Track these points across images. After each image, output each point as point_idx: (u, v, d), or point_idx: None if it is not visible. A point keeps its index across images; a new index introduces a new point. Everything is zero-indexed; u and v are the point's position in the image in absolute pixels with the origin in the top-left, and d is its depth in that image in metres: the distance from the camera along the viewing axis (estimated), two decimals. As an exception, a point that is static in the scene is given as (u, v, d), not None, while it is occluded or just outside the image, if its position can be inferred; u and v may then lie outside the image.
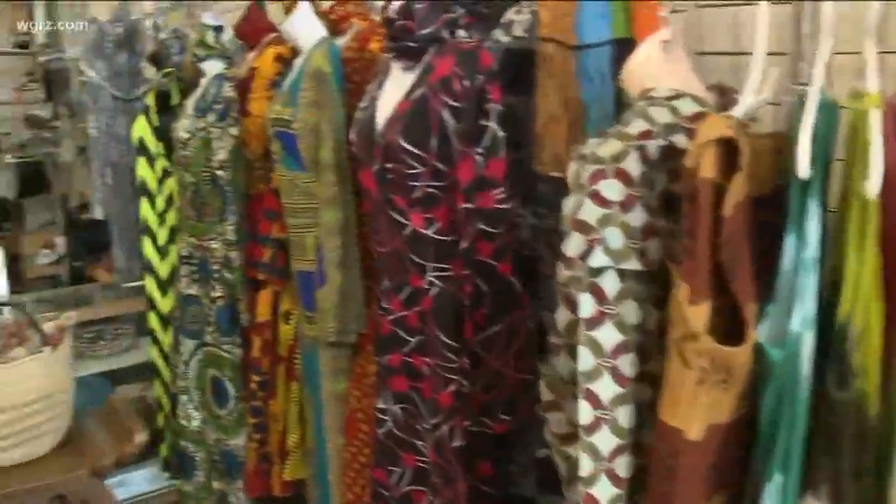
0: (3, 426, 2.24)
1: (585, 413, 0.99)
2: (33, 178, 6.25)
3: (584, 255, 0.98)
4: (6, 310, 2.48)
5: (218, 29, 2.30)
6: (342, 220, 1.85)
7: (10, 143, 6.05)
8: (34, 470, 2.27)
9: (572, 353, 1.02)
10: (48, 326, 2.41)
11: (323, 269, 1.88)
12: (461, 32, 1.55)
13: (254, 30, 2.32)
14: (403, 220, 1.54)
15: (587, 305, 0.98)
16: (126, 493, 2.89)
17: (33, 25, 5.54)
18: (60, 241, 5.45)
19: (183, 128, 2.26)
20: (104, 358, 2.95)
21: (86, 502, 2.32)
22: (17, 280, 4.39)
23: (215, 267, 2.26)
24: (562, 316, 1.06)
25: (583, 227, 0.99)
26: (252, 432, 2.33)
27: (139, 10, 3.39)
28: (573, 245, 1.00)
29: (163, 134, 2.56)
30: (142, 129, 2.58)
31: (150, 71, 3.24)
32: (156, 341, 2.73)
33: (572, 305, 1.02)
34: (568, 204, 1.04)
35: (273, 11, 2.35)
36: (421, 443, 1.64)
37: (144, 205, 2.62)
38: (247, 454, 2.38)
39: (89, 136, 3.18)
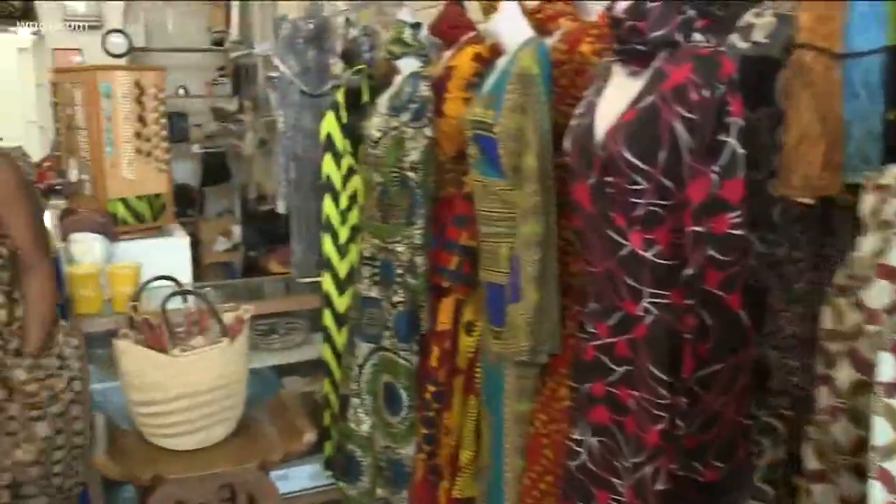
0: (182, 412, 2.27)
1: (879, 496, 0.82)
2: (216, 168, 6.53)
3: (893, 308, 0.81)
4: (190, 298, 2.52)
5: (415, 26, 2.23)
6: (543, 232, 1.73)
7: (200, 134, 6.34)
8: (207, 457, 2.29)
9: (855, 420, 0.85)
10: (227, 317, 2.43)
11: (518, 283, 1.77)
12: (696, 36, 1.39)
13: (450, 28, 2.24)
14: (621, 240, 1.40)
15: (889, 368, 0.81)
16: (287, 487, 2.88)
17: (228, 24, 5.75)
18: (236, 230, 5.64)
19: (374, 126, 2.21)
20: (276, 352, 2.96)
21: (251, 494, 2.32)
22: (194, 264, 4.54)
23: (399, 271, 2.19)
24: (844, 374, 0.89)
25: (893, 275, 0.82)
26: (422, 443, 2.25)
27: (330, 7, 3.41)
28: (878, 295, 0.83)
29: (350, 131, 2.53)
30: (330, 125, 2.56)
31: (337, 67, 3.24)
32: (329, 339, 2.71)
33: (862, 365, 0.85)
34: (865, 244, 0.88)
35: (469, 9, 2.27)
36: (618, 481, 1.49)
37: (328, 201, 2.60)
38: (414, 465, 2.31)
39: (277, 130, 3.21)
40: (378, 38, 2.85)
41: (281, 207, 3.13)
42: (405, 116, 2.10)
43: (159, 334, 2.37)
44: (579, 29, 1.84)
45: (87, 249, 2.64)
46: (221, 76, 6.27)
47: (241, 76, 5.63)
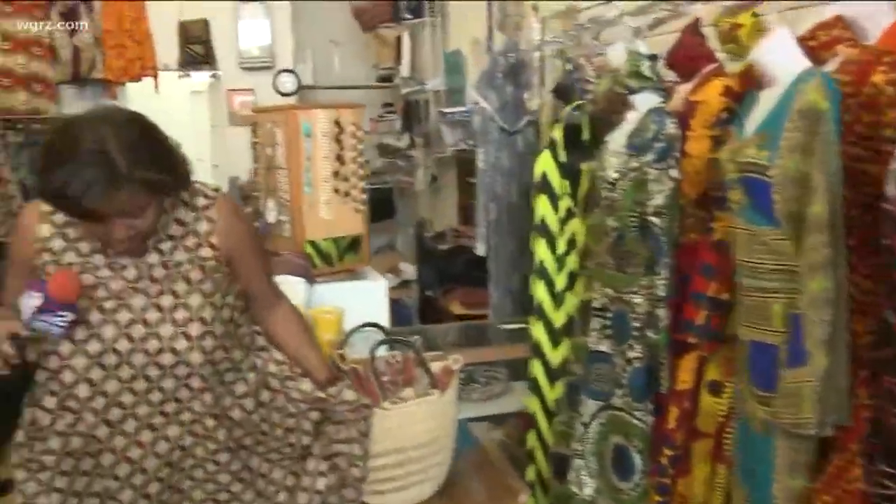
0: (391, 468, 2.16)
1: None
2: (381, 204, 6.56)
3: None
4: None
5: (653, 58, 2.06)
6: (833, 290, 1.50)
7: (366, 170, 6.38)
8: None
9: None
10: (435, 367, 2.32)
11: (801, 346, 1.54)
12: None
13: (689, 59, 2.04)
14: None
15: None
16: None
17: (399, 60, 5.76)
18: (406, 267, 5.60)
19: (611, 167, 2.03)
20: (476, 402, 2.80)
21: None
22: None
23: (636, 324, 2.00)
24: None
25: None
26: (655, 511, 2.04)
27: (525, 40, 3.29)
28: None
29: (569, 171, 2.37)
30: (546, 164, 2.41)
31: (533, 102, 3.11)
32: (538, 392, 2.54)
33: None
34: None
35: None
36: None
37: (542, 246, 2.44)
38: (645, 534, 2.10)
39: (478, 170, 3.09)
40: (584, 71, 2.70)
41: (481, 249, 3.01)
42: (648, 156, 1.92)
43: (368, 385, 2.27)
44: (867, 56, 1.61)
45: (290, 293, 2.57)
46: (388, 112, 6.29)
47: (411, 112, 5.60)
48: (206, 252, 1.69)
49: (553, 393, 2.49)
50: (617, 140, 2.07)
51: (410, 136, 5.60)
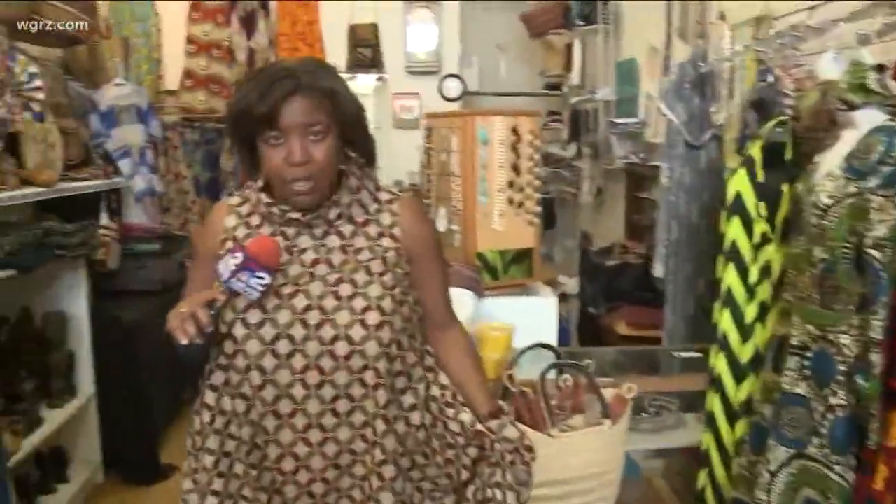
0: (553, 500, 2.03)
1: None
2: (542, 214, 6.44)
3: None
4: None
5: (879, 69, 1.84)
6: None
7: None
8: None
9: None
10: (607, 394, 2.18)
11: None
12: None
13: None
14: None
15: None
16: None
17: (569, 68, 5.62)
18: (565, 280, 5.44)
19: (823, 190, 1.83)
20: (645, 433, 2.62)
21: None
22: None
23: (841, 367, 1.79)
24: None
25: None
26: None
27: (713, 49, 3.09)
28: None
29: (766, 193, 2.17)
30: (741, 183, 2.21)
31: (720, 115, 2.91)
32: (714, 429, 2.35)
33: None
34: None
35: None
36: None
37: (731, 272, 2.25)
38: None
39: (660, 186, 2.92)
40: (781, 84, 2.49)
41: (658, 271, 2.84)
42: (872, 181, 1.71)
43: (537, 410, 2.15)
44: None
45: (458, 307, 2.48)
46: (553, 121, 6.16)
47: (579, 122, 5.45)
48: (387, 242, 1.63)
49: (732, 433, 2.30)
50: (831, 161, 1.86)
51: (577, 146, 5.44)
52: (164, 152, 4.85)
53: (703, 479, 2.43)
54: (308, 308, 1.55)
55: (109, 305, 3.82)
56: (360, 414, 1.57)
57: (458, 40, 6.47)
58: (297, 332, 1.54)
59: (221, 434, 1.62)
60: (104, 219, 3.82)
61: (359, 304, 1.56)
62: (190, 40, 5.73)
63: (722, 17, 3.21)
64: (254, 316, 1.55)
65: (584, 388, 2.21)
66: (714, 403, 2.35)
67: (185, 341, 1.42)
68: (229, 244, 1.61)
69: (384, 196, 1.67)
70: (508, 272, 2.85)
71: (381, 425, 1.58)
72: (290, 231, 1.61)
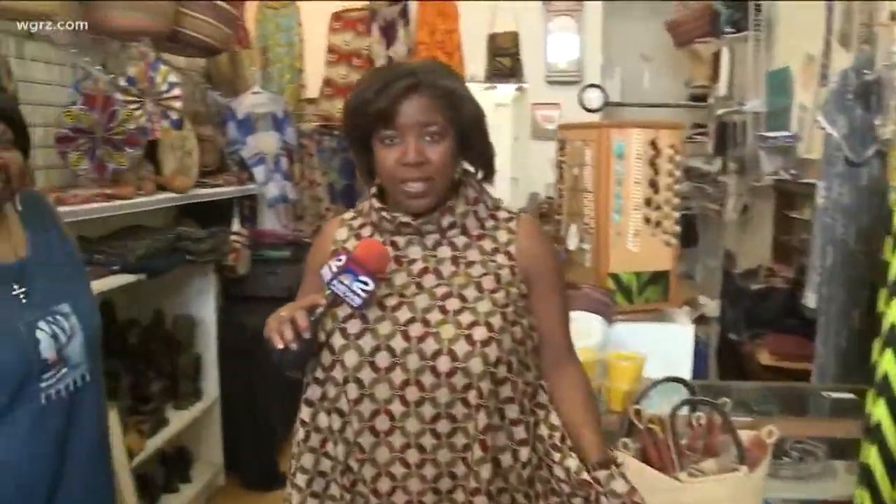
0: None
1: None
2: (683, 231, 6.15)
3: None
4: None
5: None
6: None
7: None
8: None
9: None
10: (744, 435, 1.96)
11: None
12: None
13: None
14: None
15: None
16: None
17: (716, 78, 5.33)
18: (705, 301, 5.16)
19: None
20: (788, 482, 2.37)
21: None
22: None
23: None
24: None
25: None
26: None
27: (883, 54, 2.79)
28: None
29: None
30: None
31: (887, 129, 2.62)
32: (871, 484, 2.08)
33: None
34: None
35: None
36: None
37: (895, 307, 1.99)
38: None
39: (815, 206, 2.66)
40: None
41: (811, 300, 2.58)
42: None
43: (664, 450, 1.97)
44: None
45: (586, 332, 2.33)
46: (697, 134, 5.86)
47: (725, 135, 5.15)
48: (501, 259, 1.52)
49: (893, 490, 2.03)
50: None
51: (723, 161, 5.14)
52: (299, 160, 4.90)
53: (857, 537, 2.17)
54: (411, 320, 1.45)
55: (237, 310, 3.87)
56: (461, 436, 1.45)
57: (600, 49, 6.27)
58: (398, 344, 1.44)
59: (316, 452, 1.53)
60: (236, 225, 3.87)
61: (466, 318, 1.44)
62: (331, 50, 5.81)
63: (893, 17, 2.91)
64: (354, 326, 1.46)
65: (720, 428, 2.02)
66: (871, 455, 2.08)
67: (280, 345, 1.35)
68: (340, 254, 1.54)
69: (502, 214, 1.57)
70: (643, 295, 2.66)
71: (477, 451, 1.45)
72: (401, 240, 1.52)
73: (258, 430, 3.82)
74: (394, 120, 1.42)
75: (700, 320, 5.20)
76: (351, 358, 1.45)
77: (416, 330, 1.44)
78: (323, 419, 1.51)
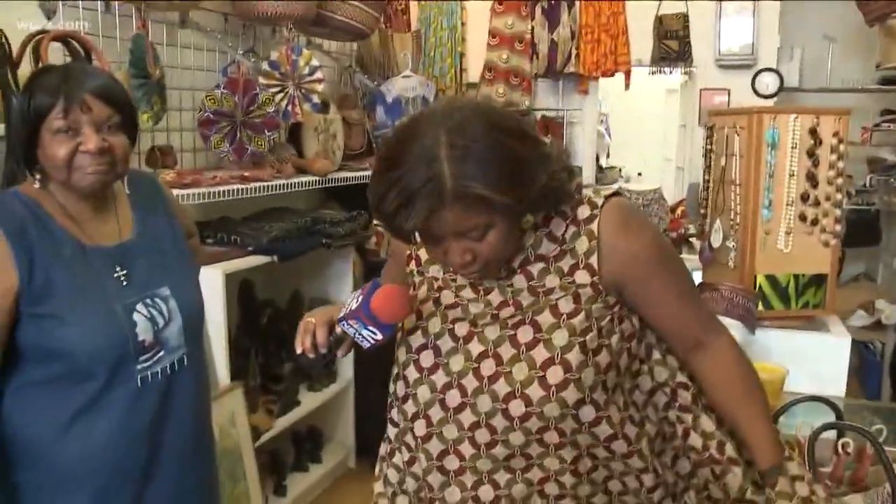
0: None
1: None
2: (864, 228, 5.65)
3: None
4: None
5: None
6: None
7: (850, 187, 5.52)
8: None
9: None
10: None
11: None
12: None
13: None
14: None
15: None
16: None
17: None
18: (884, 307, 4.69)
19: None
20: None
21: None
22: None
23: None
24: None
25: None
26: None
27: None
28: None
29: None
30: None
31: None
32: None
33: None
34: None
35: None
36: None
37: None
38: None
39: None
40: None
41: None
42: None
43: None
44: None
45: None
46: (887, 121, 5.33)
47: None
48: (582, 277, 1.31)
49: None
50: None
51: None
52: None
53: None
54: (483, 355, 1.31)
55: (377, 295, 3.85)
56: (538, 470, 1.31)
57: (777, 30, 5.84)
58: (470, 383, 1.31)
59: (402, 472, 1.44)
60: (380, 209, 3.85)
61: (539, 354, 1.28)
62: (493, 33, 5.72)
63: None
64: (427, 359, 1.35)
65: (871, 458, 1.77)
66: None
67: (298, 350, 1.33)
68: (413, 265, 1.44)
69: (584, 213, 1.34)
70: (801, 299, 2.40)
71: (568, 478, 1.33)
72: None
73: (391, 414, 3.81)
74: (427, 233, 1.22)
75: (876, 327, 4.75)
76: (424, 393, 1.35)
77: (487, 368, 1.30)
78: (398, 444, 1.43)
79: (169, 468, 1.68)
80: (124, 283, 1.62)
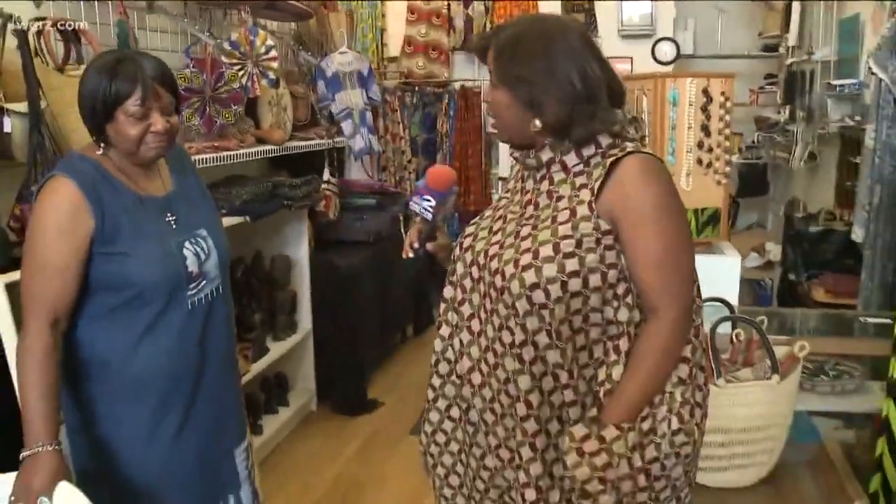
0: (714, 447, 2.08)
1: None
2: (753, 180, 6.27)
3: None
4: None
5: None
6: None
7: (740, 144, 6.13)
8: (736, 500, 2.13)
9: None
10: (779, 351, 2.20)
11: None
12: None
13: None
14: None
15: None
16: None
17: (786, 27, 5.42)
18: (772, 248, 5.32)
19: None
20: (822, 395, 2.62)
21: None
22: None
23: None
24: None
25: None
26: None
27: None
28: None
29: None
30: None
31: None
32: (894, 395, 2.32)
33: None
34: None
35: None
36: None
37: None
38: None
39: (864, 147, 2.86)
40: None
41: (858, 234, 2.80)
42: None
43: (705, 361, 2.23)
44: None
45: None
46: (770, 84, 5.95)
47: (794, 84, 5.26)
48: (585, 195, 1.52)
49: (915, 398, 2.26)
50: None
51: (791, 110, 5.26)
52: (382, 115, 5.22)
53: (881, 446, 2.40)
54: (497, 241, 1.63)
55: (328, 253, 4.24)
56: (499, 343, 1.62)
57: (674, 2, 6.36)
58: (481, 260, 1.65)
59: (437, 355, 1.79)
60: (326, 174, 4.24)
61: (524, 244, 1.56)
62: (411, 10, 6.08)
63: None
64: (467, 242, 1.72)
65: (757, 344, 2.26)
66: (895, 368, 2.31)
67: (406, 256, 1.81)
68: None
69: (613, 150, 1.53)
70: (703, 233, 2.91)
71: (515, 363, 1.60)
72: (526, 175, 1.68)
73: (348, 362, 4.21)
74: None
75: (767, 267, 5.38)
76: (460, 267, 1.71)
77: (493, 250, 1.61)
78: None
79: (212, 375, 2.02)
80: (174, 225, 1.94)
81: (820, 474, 2.22)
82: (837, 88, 4.36)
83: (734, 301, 2.73)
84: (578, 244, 1.50)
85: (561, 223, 1.53)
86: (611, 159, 1.51)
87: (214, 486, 2.11)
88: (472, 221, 1.79)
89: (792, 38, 5.28)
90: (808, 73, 5.07)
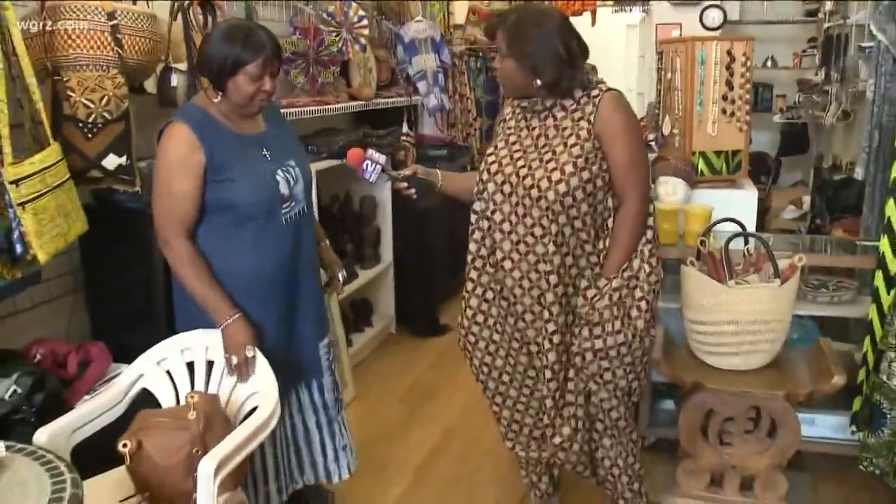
0: (727, 335, 2.64)
1: None
2: (795, 139, 6.63)
3: None
4: (751, 242, 2.85)
5: None
6: None
7: (783, 105, 6.51)
8: (742, 380, 2.65)
9: None
10: (782, 263, 2.70)
11: None
12: None
13: None
14: None
15: None
16: (810, 431, 3.03)
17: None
18: (807, 200, 5.75)
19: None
20: (822, 304, 3.15)
21: (774, 420, 2.63)
22: (760, 229, 4.82)
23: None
24: None
25: None
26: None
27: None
28: None
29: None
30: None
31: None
32: (876, 299, 2.81)
33: None
34: None
35: None
36: None
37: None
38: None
39: (864, 100, 3.34)
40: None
41: (859, 174, 3.29)
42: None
43: (719, 267, 2.75)
44: None
45: (671, 191, 3.17)
46: (811, 47, 6.33)
47: (830, 47, 5.66)
48: (583, 124, 2.25)
49: (889, 300, 2.76)
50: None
51: (826, 71, 5.67)
52: (452, 77, 5.78)
53: (866, 344, 2.90)
54: (524, 165, 2.30)
55: (407, 196, 4.85)
56: (538, 227, 2.30)
57: (728, -31, 6.66)
58: (513, 179, 2.31)
59: (478, 245, 2.44)
60: (405, 128, 4.84)
61: (551, 164, 2.25)
62: (477, -19, 6.57)
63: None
64: (494, 166, 2.36)
65: (764, 256, 2.77)
66: (878, 278, 2.80)
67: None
68: (499, 127, 2.47)
69: (594, 92, 2.28)
70: (726, 170, 3.45)
71: (551, 247, 2.30)
72: (529, 115, 2.37)
73: (423, 291, 4.84)
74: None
75: (803, 218, 5.82)
76: (490, 187, 2.35)
77: (523, 171, 2.29)
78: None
79: (304, 279, 2.45)
80: (268, 157, 2.31)
81: (813, 363, 2.73)
82: (867, 51, 4.76)
83: (751, 226, 3.26)
84: (587, 160, 2.25)
85: (572, 146, 2.25)
86: (596, 98, 2.26)
87: (299, 371, 2.52)
88: (489, 152, 2.41)
89: (829, 3, 5.65)
90: (843, 37, 5.46)
